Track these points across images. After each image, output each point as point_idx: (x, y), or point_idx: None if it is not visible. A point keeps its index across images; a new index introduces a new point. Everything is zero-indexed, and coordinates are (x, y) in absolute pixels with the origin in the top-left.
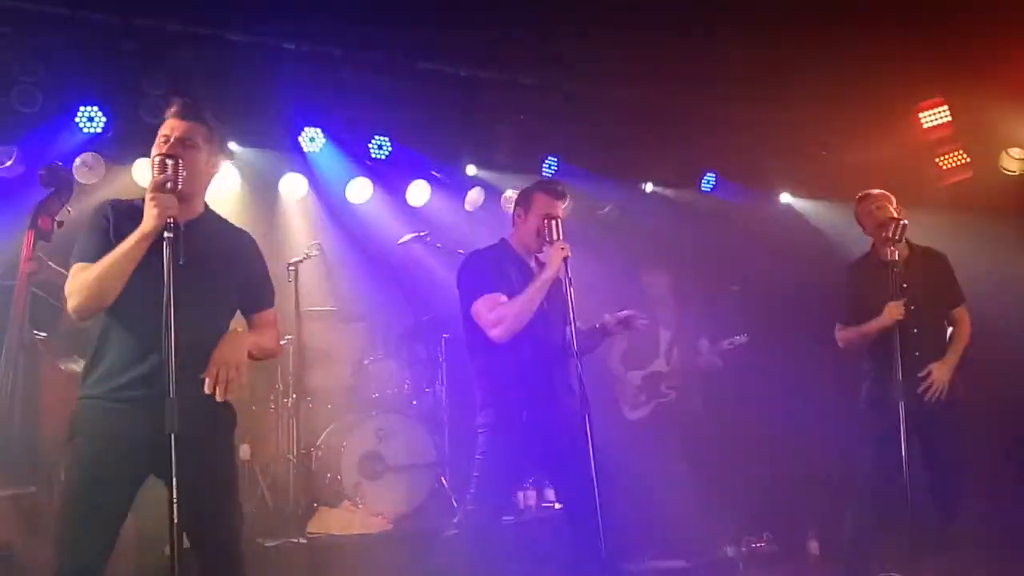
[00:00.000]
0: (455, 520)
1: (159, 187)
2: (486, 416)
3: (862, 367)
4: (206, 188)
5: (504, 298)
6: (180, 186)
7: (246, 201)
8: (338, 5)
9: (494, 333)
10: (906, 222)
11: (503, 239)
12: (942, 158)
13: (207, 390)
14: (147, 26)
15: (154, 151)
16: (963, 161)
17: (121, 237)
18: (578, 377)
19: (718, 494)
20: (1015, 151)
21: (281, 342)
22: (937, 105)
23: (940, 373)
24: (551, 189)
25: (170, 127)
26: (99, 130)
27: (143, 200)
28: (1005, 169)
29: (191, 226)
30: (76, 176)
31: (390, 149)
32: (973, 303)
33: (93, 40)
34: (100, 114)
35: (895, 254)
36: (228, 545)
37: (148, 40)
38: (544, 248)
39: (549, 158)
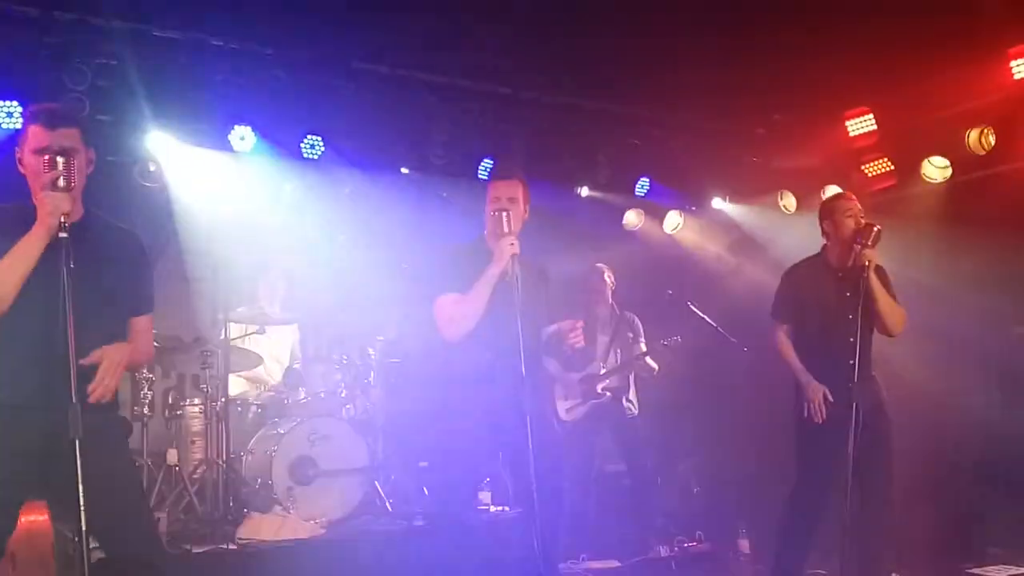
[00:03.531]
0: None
1: (51, 184)
2: (443, 409)
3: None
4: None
5: (458, 297)
6: (73, 183)
7: (173, 202)
8: (269, 2)
9: (445, 334)
10: (880, 228)
11: (482, 235)
12: (867, 166)
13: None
14: (69, 19)
15: (32, 162)
16: (887, 169)
17: (2, 240)
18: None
19: (651, 494)
20: (937, 160)
21: (207, 345)
22: (863, 114)
23: None
24: (494, 172)
25: (47, 138)
26: (18, 126)
27: (16, 205)
28: (927, 178)
29: (75, 228)
30: None
31: (323, 149)
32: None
33: (12, 33)
34: (19, 109)
35: (866, 260)
36: (143, 556)
37: (70, 34)
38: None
39: (484, 160)
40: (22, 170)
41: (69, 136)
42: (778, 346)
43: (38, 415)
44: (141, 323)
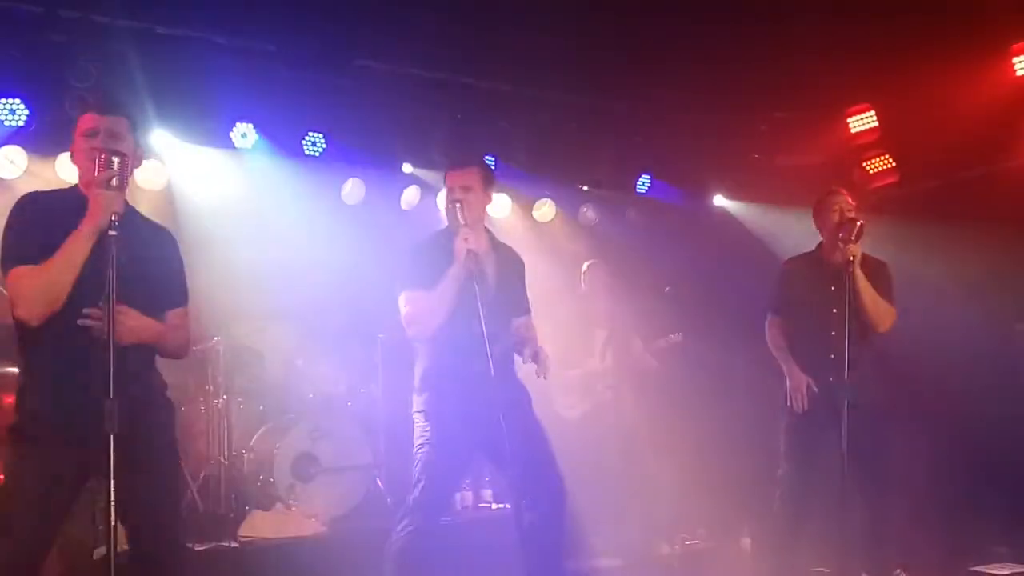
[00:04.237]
0: (399, 519)
1: (105, 183)
2: (420, 403)
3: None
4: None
5: (421, 294)
6: (127, 184)
7: (174, 199)
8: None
9: (408, 332)
10: (863, 222)
11: (447, 227)
12: (869, 163)
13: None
14: (73, 17)
15: (83, 145)
16: (889, 166)
17: (54, 231)
18: (501, 370)
19: (653, 492)
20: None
21: (209, 343)
22: (865, 111)
23: None
24: (450, 161)
25: (95, 121)
26: (21, 123)
27: (65, 189)
28: None
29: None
30: None
31: (324, 146)
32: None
33: (16, 31)
34: (23, 107)
35: (850, 254)
36: (171, 546)
37: (74, 32)
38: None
39: (486, 157)
40: (73, 162)
41: (118, 123)
42: (768, 337)
43: (90, 407)
44: (176, 315)
